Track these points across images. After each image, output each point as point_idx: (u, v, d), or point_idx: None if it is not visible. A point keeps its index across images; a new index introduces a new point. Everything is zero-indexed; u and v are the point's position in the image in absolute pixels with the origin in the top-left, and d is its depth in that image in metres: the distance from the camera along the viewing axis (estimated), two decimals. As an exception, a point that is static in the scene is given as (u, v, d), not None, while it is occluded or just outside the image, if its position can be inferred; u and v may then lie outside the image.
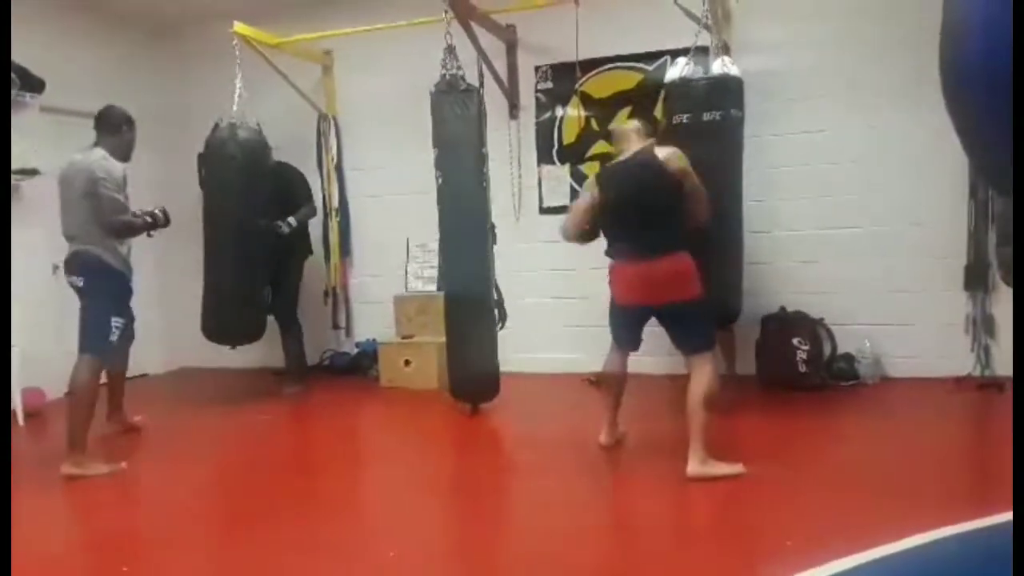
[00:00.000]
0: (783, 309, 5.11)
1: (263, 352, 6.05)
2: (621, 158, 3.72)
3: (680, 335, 3.57)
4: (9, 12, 4.06)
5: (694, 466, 3.31)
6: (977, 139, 0.88)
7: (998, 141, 0.83)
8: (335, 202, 6.31)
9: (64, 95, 5.67)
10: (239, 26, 5.33)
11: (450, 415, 4.82)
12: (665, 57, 5.37)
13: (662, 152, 3.56)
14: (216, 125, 5.33)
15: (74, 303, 4.03)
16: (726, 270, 4.57)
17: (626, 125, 3.94)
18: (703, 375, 3.44)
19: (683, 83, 4.55)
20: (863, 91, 5.04)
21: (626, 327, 3.75)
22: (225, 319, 5.39)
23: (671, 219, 3.53)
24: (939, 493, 3.11)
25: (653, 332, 5.17)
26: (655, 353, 5.27)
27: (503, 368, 4.81)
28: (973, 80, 0.81)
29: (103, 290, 3.99)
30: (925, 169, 4.90)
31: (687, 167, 3.52)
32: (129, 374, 4.74)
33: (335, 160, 6.30)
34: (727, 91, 4.50)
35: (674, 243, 3.50)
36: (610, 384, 3.91)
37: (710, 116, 4.42)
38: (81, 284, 3.98)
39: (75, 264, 4.00)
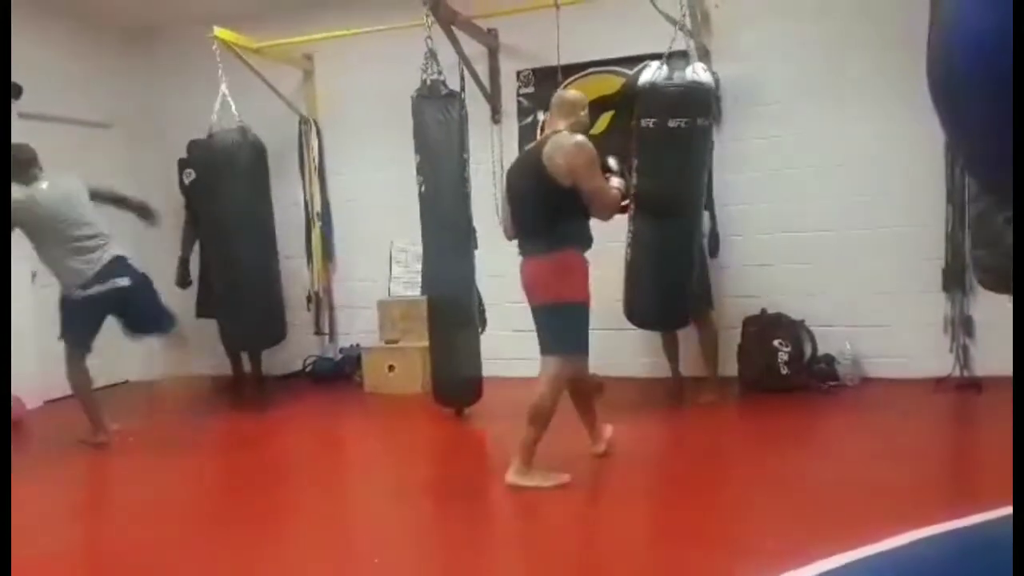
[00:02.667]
0: (764, 311, 5.14)
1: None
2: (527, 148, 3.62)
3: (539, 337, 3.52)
4: (9, 13, 4.02)
5: None
6: (975, 148, 0.88)
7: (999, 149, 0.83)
8: (317, 206, 6.28)
9: (40, 101, 5.61)
10: (219, 31, 5.30)
11: (435, 421, 4.82)
12: (647, 62, 5.40)
13: (554, 143, 3.33)
14: (210, 129, 5.32)
15: (51, 311, 4.02)
16: (674, 272, 4.68)
17: (563, 96, 3.61)
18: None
19: (652, 88, 4.58)
20: (843, 95, 5.08)
21: None
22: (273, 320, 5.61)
23: (538, 221, 3.40)
24: (920, 493, 3.14)
25: (642, 335, 5.21)
26: (641, 355, 5.37)
27: (485, 373, 4.82)
28: (969, 88, 0.81)
29: (149, 281, 4.48)
30: (903, 172, 4.95)
31: (578, 164, 3.26)
32: (111, 381, 4.72)
33: (317, 164, 6.28)
34: (695, 99, 4.53)
35: (538, 247, 3.40)
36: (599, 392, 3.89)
37: (675, 123, 4.46)
38: (128, 283, 4.32)
39: (118, 267, 4.32)
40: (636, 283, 4.76)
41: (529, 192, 3.42)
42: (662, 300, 4.70)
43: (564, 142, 3.32)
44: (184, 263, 5.83)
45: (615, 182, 3.54)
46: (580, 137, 3.36)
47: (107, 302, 4.30)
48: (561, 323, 3.43)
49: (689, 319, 4.83)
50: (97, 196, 4.51)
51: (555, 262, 3.38)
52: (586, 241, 3.50)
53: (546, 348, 3.46)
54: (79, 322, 4.32)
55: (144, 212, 4.74)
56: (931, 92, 0.87)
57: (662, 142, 4.51)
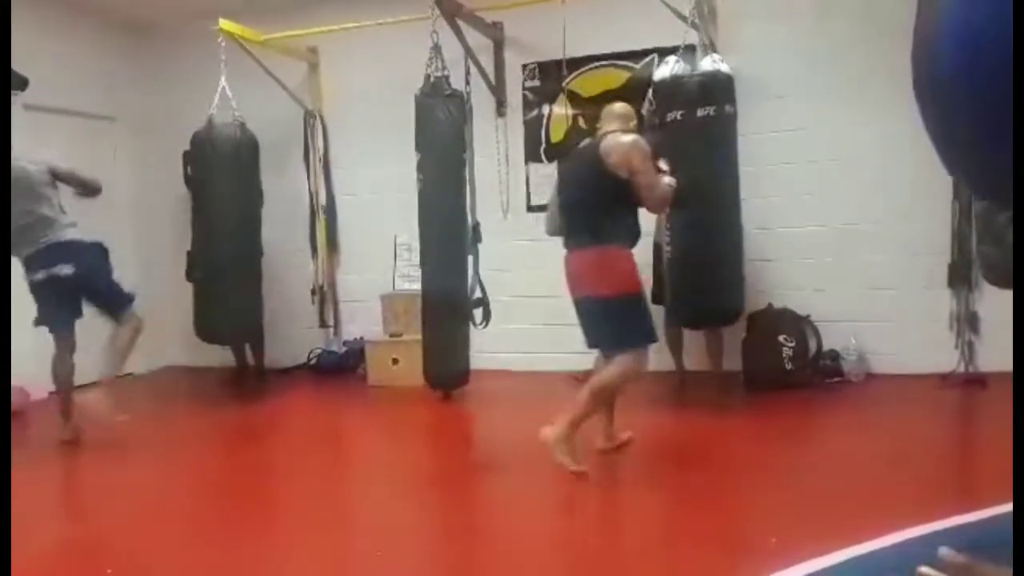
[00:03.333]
0: (770, 306, 5.13)
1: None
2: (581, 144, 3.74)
3: (585, 331, 3.60)
4: (9, 12, 4.02)
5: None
6: (958, 151, 0.84)
7: (981, 151, 0.79)
8: (322, 199, 6.29)
9: (44, 93, 5.61)
10: (224, 23, 5.30)
11: (437, 414, 4.85)
12: (652, 55, 5.38)
13: (612, 139, 3.48)
14: (209, 122, 5.39)
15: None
16: (725, 267, 4.64)
17: (613, 107, 3.77)
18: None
19: (675, 80, 4.57)
20: (847, 90, 5.05)
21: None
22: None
23: (593, 215, 3.48)
24: (923, 491, 3.13)
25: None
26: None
27: (488, 365, 4.85)
28: (952, 91, 0.77)
29: (99, 266, 4.33)
30: (909, 167, 4.91)
31: (635, 158, 3.39)
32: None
33: (322, 157, 6.28)
34: (719, 87, 4.55)
35: (592, 239, 3.46)
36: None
37: (704, 112, 4.46)
38: (71, 271, 4.17)
39: (63, 253, 4.18)
40: (681, 280, 4.66)
41: (586, 186, 3.53)
42: (715, 295, 4.63)
43: (622, 139, 3.48)
44: (192, 256, 5.84)
45: (667, 179, 3.62)
46: (635, 136, 3.53)
47: (56, 287, 4.20)
48: (622, 315, 3.48)
49: (741, 312, 4.79)
50: (59, 177, 4.36)
51: (603, 255, 3.48)
52: (635, 236, 3.64)
53: (610, 343, 3.51)
54: (44, 304, 4.30)
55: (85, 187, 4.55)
56: (917, 90, 0.83)
57: (692, 133, 4.49)
